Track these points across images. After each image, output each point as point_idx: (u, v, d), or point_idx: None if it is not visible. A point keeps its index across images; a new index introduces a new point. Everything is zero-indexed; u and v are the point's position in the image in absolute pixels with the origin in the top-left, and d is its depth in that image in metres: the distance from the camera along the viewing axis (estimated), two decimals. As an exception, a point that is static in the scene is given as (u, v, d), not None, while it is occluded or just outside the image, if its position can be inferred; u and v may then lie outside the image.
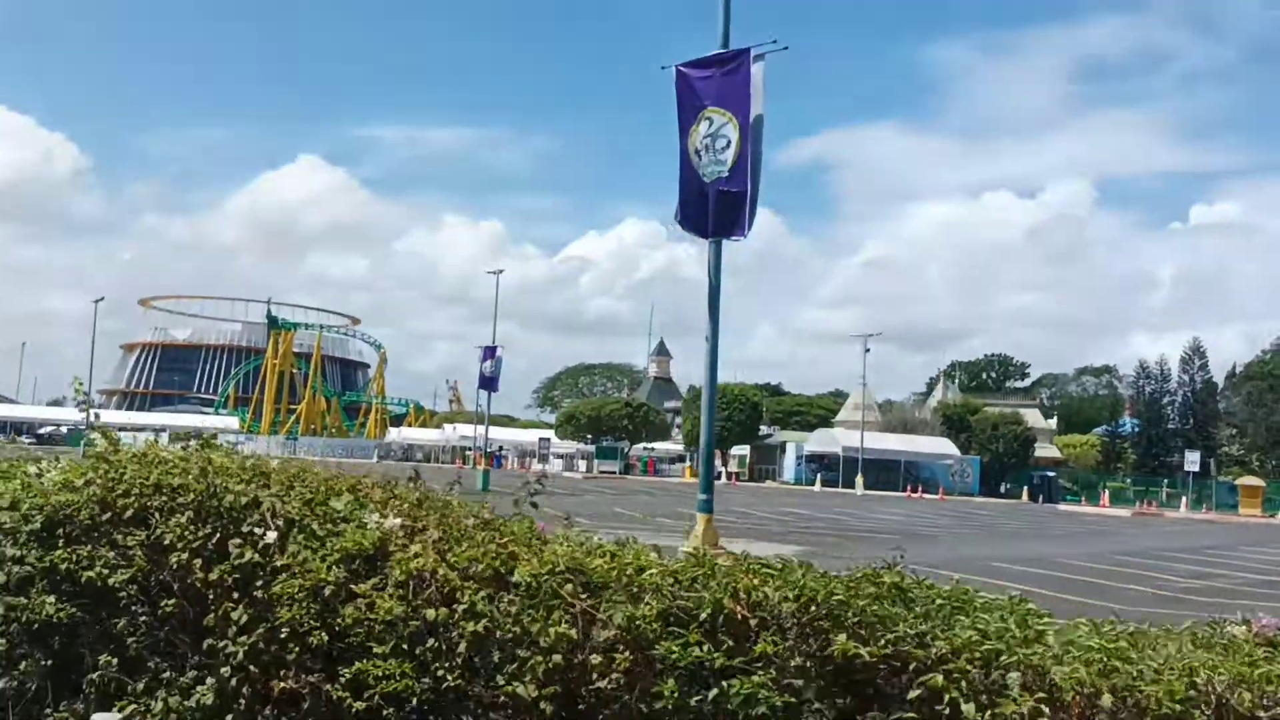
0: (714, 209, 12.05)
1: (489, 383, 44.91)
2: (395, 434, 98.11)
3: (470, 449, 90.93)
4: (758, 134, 11.78)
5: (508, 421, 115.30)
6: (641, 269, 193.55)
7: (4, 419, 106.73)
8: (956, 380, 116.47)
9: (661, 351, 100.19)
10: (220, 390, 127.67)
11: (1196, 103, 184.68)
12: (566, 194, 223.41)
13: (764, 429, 76.34)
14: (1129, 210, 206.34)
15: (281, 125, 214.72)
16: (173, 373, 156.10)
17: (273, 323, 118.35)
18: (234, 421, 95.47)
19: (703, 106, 12.33)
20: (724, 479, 66.78)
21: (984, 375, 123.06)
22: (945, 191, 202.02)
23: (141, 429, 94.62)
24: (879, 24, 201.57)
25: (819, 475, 68.10)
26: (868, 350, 72.44)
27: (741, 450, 76.24)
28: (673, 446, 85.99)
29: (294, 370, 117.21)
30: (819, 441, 69.52)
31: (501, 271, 46.80)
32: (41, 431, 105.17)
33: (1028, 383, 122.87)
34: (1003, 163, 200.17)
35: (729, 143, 11.96)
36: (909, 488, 62.77)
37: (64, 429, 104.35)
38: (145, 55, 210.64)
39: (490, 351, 44.35)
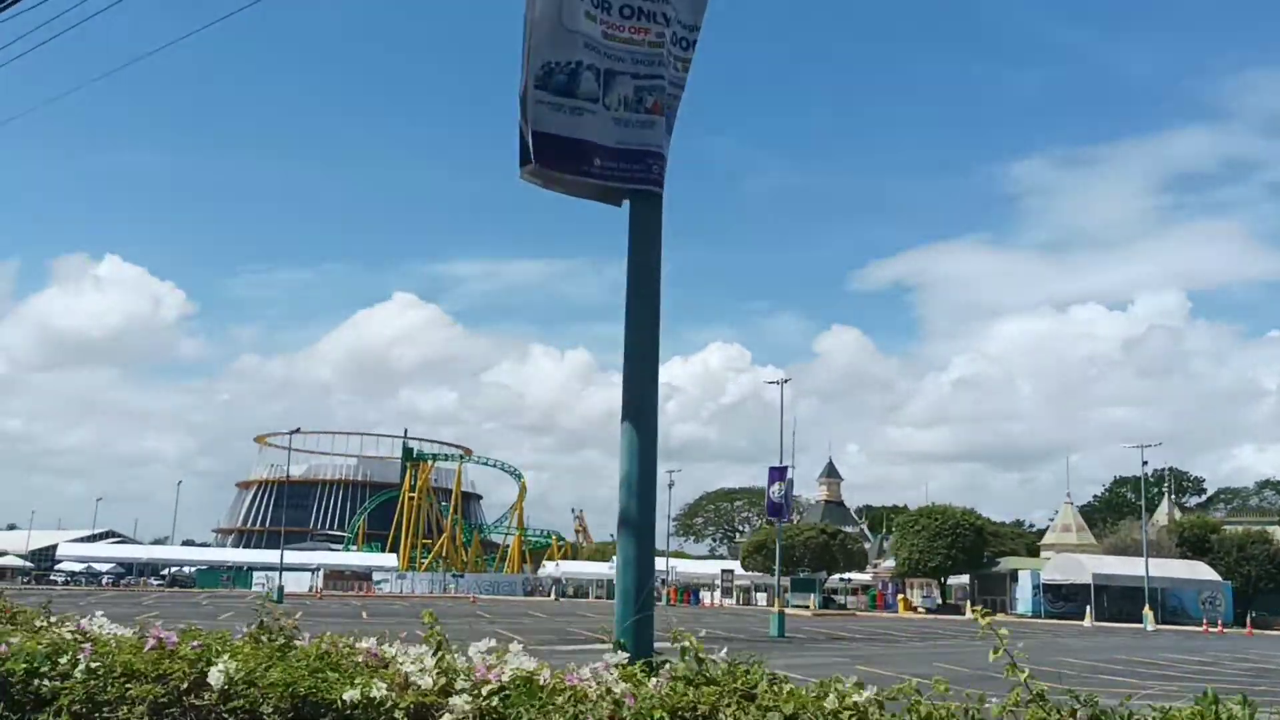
0: None
1: (779, 509, 39.93)
2: (552, 568, 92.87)
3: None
4: None
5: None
6: (728, 393, 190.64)
7: (129, 560, 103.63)
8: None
9: (831, 474, 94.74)
10: (350, 526, 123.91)
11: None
12: None
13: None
14: (1223, 320, 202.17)
15: (366, 265, 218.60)
16: (290, 509, 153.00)
17: (408, 454, 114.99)
18: (391, 559, 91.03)
19: None
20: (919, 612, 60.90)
21: (1152, 492, 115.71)
22: (1031, 306, 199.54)
23: (297, 568, 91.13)
24: (957, 143, 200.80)
25: (1059, 606, 61.99)
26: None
27: (960, 579, 70.20)
28: (857, 576, 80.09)
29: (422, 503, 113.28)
30: (1059, 568, 63.24)
31: (787, 380, 42.23)
32: (165, 573, 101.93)
33: (1203, 498, 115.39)
34: (1089, 276, 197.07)
35: None
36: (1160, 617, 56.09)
37: (187, 569, 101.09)
38: (240, 204, 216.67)
39: (779, 473, 39.49)
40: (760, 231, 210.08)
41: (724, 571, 78.01)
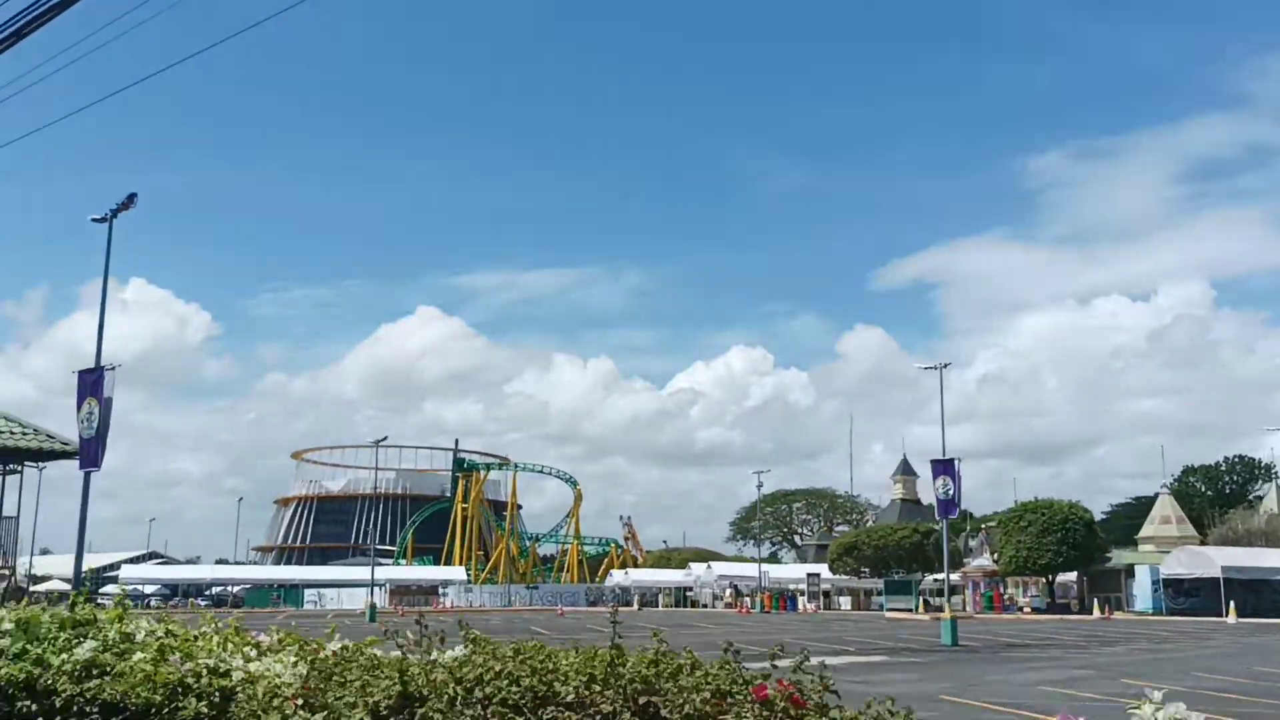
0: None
1: (948, 508, 37.02)
2: (621, 576, 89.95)
3: (721, 589, 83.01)
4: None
5: (713, 556, 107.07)
6: (751, 396, 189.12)
7: (173, 580, 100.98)
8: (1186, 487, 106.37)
9: (906, 470, 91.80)
10: (399, 540, 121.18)
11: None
12: (666, 327, 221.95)
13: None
14: (1249, 308, 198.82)
15: (384, 280, 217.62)
16: (329, 524, 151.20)
17: (459, 465, 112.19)
18: (460, 572, 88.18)
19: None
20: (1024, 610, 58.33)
21: (1223, 481, 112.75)
22: (1055, 300, 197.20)
23: (352, 584, 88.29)
24: (974, 138, 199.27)
25: (1180, 602, 59.06)
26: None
27: (1067, 576, 67.30)
28: (941, 576, 77.08)
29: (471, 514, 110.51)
30: (1182, 562, 60.26)
31: (947, 365, 39.43)
32: (211, 592, 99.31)
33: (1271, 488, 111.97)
34: (1112, 268, 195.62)
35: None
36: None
37: (232, 589, 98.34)
38: (256, 223, 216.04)
39: (944, 467, 36.55)
40: (778, 233, 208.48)
41: (810, 575, 75.07)
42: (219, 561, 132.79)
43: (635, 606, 74.78)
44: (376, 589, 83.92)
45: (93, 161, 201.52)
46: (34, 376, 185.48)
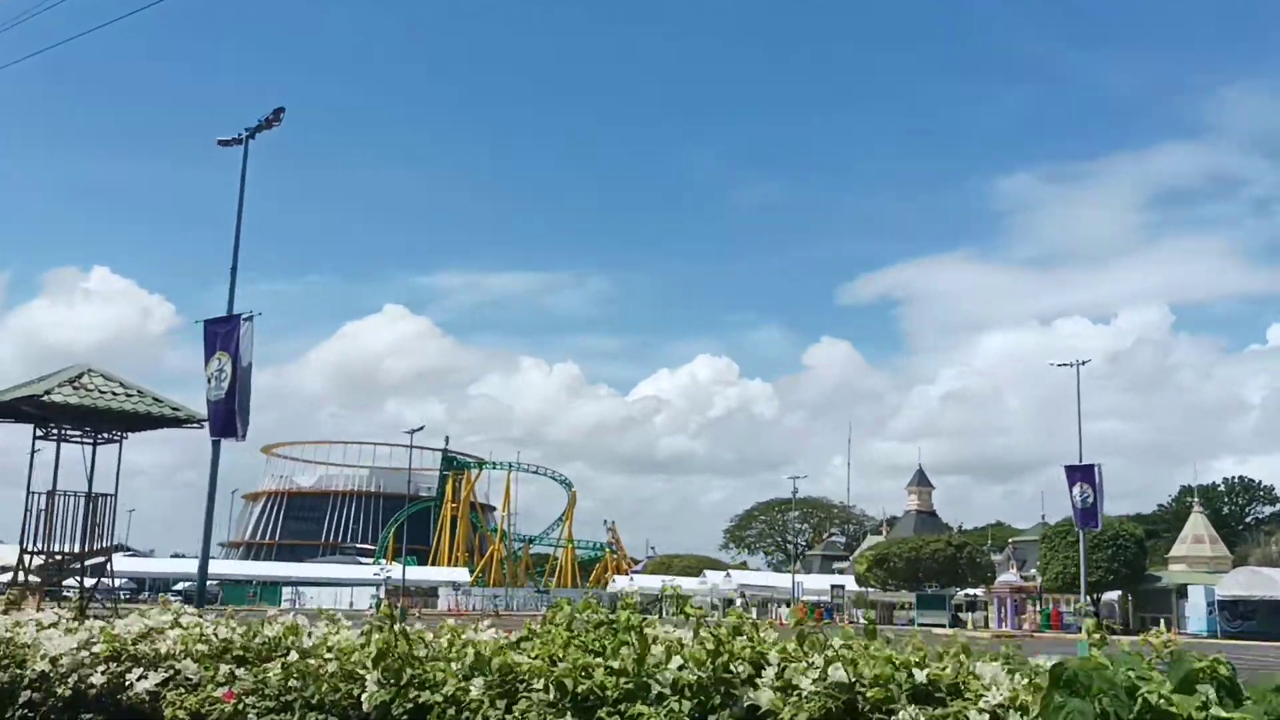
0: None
1: (1087, 518, 33.96)
2: (624, 582, 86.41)
3: (740, 598, 79.56)
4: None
5: (711, 564, 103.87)
6: (715, 406, 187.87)
7: (140, 574, 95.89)
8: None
9: (922, 481, 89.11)
10: (378, 539, 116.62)
11: (1271, 225, 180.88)
12: (632, 334, 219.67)
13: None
14: (1207, 334, 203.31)
15: (348, 277, 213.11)
16: (300, 521, 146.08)
17: (449, 463, 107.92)
18: (464, 573, 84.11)
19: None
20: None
21: (1220, 503, 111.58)
22: (1017, 320, 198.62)
23: (363, 583, 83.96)
24: (945, 159, 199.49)
25: (1236, 625, 56.80)
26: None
27: (1110, 595, 64.80)
28: (970, 591, 74.54)
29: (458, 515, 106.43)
30: (1240, 583, 57.94)
31: (1085, 362, 36.44)
32: (179, 587, 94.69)
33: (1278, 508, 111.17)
34: (1074, 291, 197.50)
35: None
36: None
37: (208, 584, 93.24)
38: (218, 215, 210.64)
39: (1082, 473, 33.51)
40: (746, 244, 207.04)
41: (834, 587, 72.03)
42: (175, 555, 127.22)
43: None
44: (374, 589, 79.92)
45: (59, 146, 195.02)
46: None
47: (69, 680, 5.54)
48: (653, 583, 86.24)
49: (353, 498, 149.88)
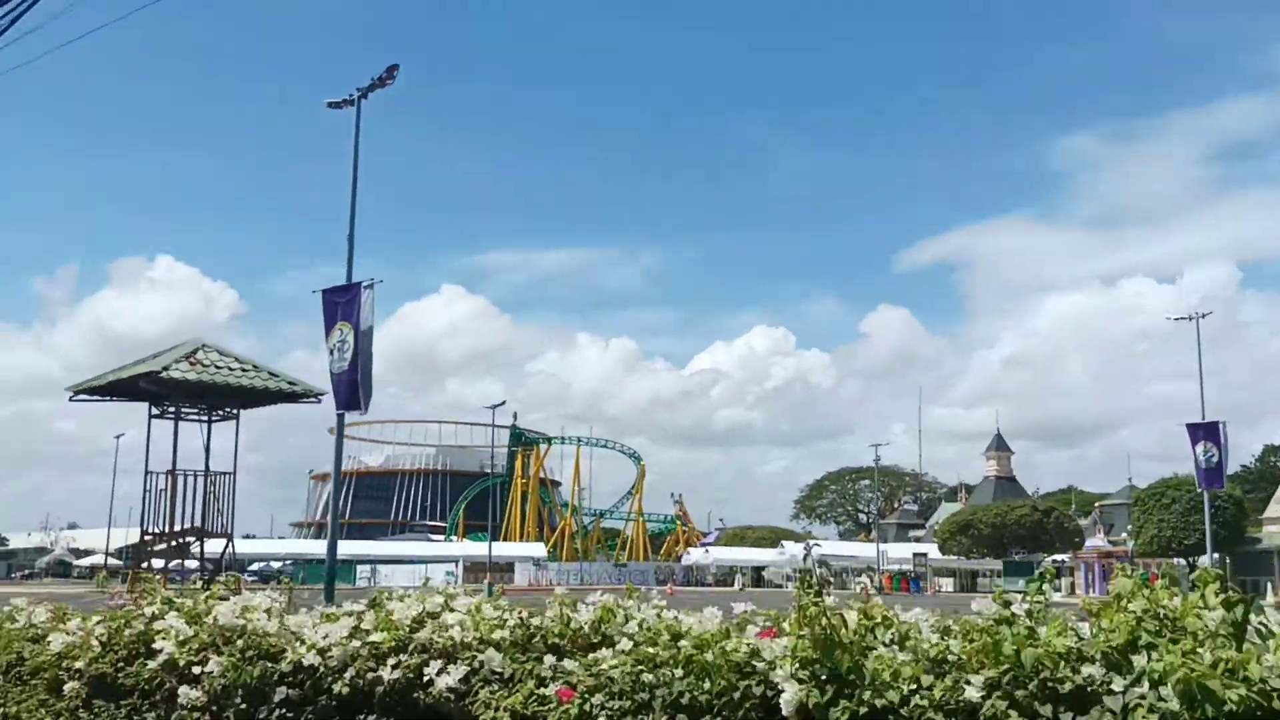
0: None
1: (1212, 478, 32.52)
2: (699, 554, 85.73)
3: (821, 568, 78.56)
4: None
5: (781, 536, 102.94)
6: (773, 377, 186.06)
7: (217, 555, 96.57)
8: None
9: (1000, 446, 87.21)
10: (448, 516, 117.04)
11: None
12: (685, 307, 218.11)
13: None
14: (1275, 291, 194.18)
15: (402, 260, 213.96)
16: (368, 501, 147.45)
17: (517, 438, 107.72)
18: (540, 548, 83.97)
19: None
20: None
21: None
22: (1079, 281, 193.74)
23: (439, 559, 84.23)
24: (1003, 120, 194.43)
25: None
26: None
27: (1204, 559, 62.80)
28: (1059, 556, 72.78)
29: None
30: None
31: (1205, 315, 34.80)
32: (255, 568, 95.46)
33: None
34: (1138, 250, 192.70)
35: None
36: None
37: (274, 564, 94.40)
38: (278, 202, 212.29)
39: (1205, 431, 32.01)
40: (799, 214, 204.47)
41: (916, 555, 70.69)
42: (246, 536, 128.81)
43: (738, 586, 70.51)
44: (451, 565, 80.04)
45: (117, 140, 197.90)
46: (60, 353, 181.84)
47: (344, 675, 4.73)
48: (728, 555, 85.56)
49: (420, 476, 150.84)
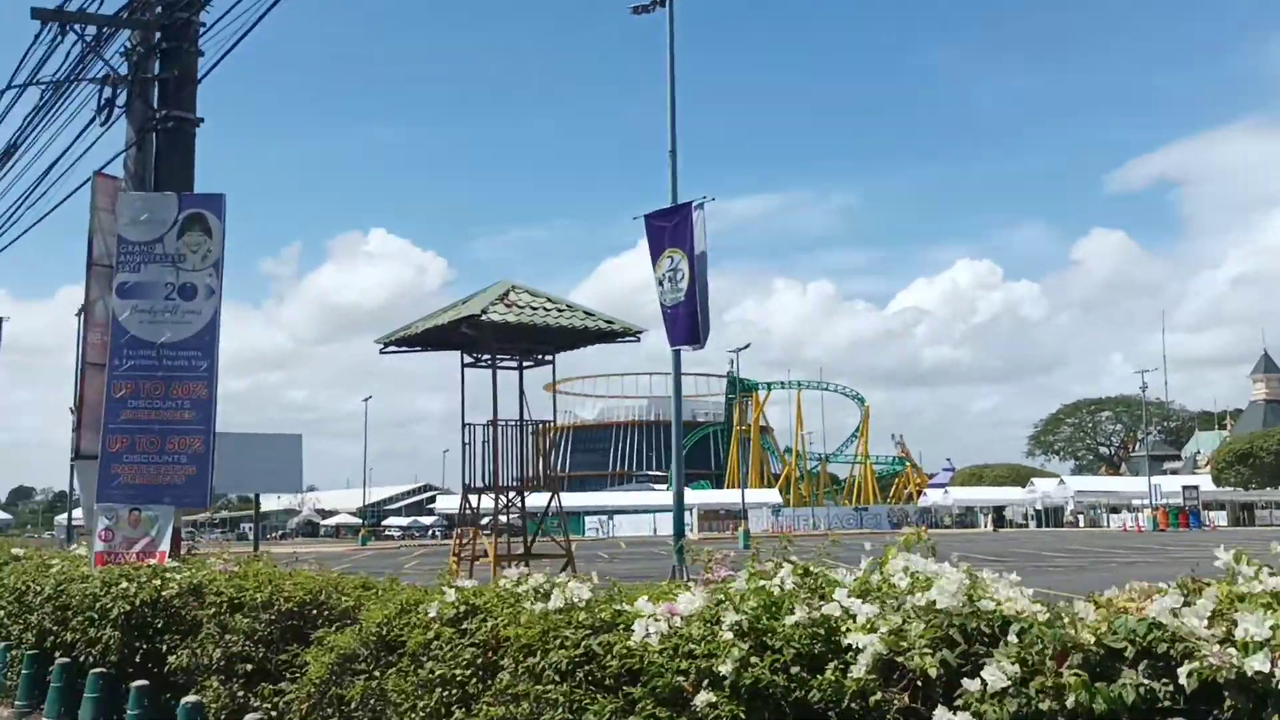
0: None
1: None
2: (938, 494, 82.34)
3: (1085, 507, 74.17)
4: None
5: (1020, 473, 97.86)
6: (979, 312, 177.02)
7: (450, 511, 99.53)
8: None
9: (1270, 368, 79.93)
10: (667, 465, 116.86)
11: None
12: (884, 245, 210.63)
13: None
14: None
15: (593, 217, 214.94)
16: (586, 454, 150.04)
17: (735, 385, 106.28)
18: (773, 494, 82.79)
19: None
20: None
21: None
22: None
23: (666, 508, 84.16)
24: (1219, 23, 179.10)
25: None
26: None
27: None
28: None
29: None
30: None
31: None
32: (487, 521, 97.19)
33: None
34: None
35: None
36: None
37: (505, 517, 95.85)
38: (467, 168, 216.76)
39: None
40: (999, 140, 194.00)
41: (1186, 488, 65.35)
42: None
43: (990, 528, 67.13)
44: (686, 513, 79.66)
45: (322, 118, 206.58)
46: (289, 328, 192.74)
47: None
48: (968, 495, 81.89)
49: (633, 428, 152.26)
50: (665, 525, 79.31)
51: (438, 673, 4.99)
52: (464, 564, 18.00)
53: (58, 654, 10.09)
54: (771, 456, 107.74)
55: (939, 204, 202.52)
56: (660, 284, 15.13)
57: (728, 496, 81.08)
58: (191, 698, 7.58)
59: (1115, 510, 71.01)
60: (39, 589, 10.59)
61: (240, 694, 7.45)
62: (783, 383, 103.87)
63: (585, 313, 17.64)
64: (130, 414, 10.71)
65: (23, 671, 10.54)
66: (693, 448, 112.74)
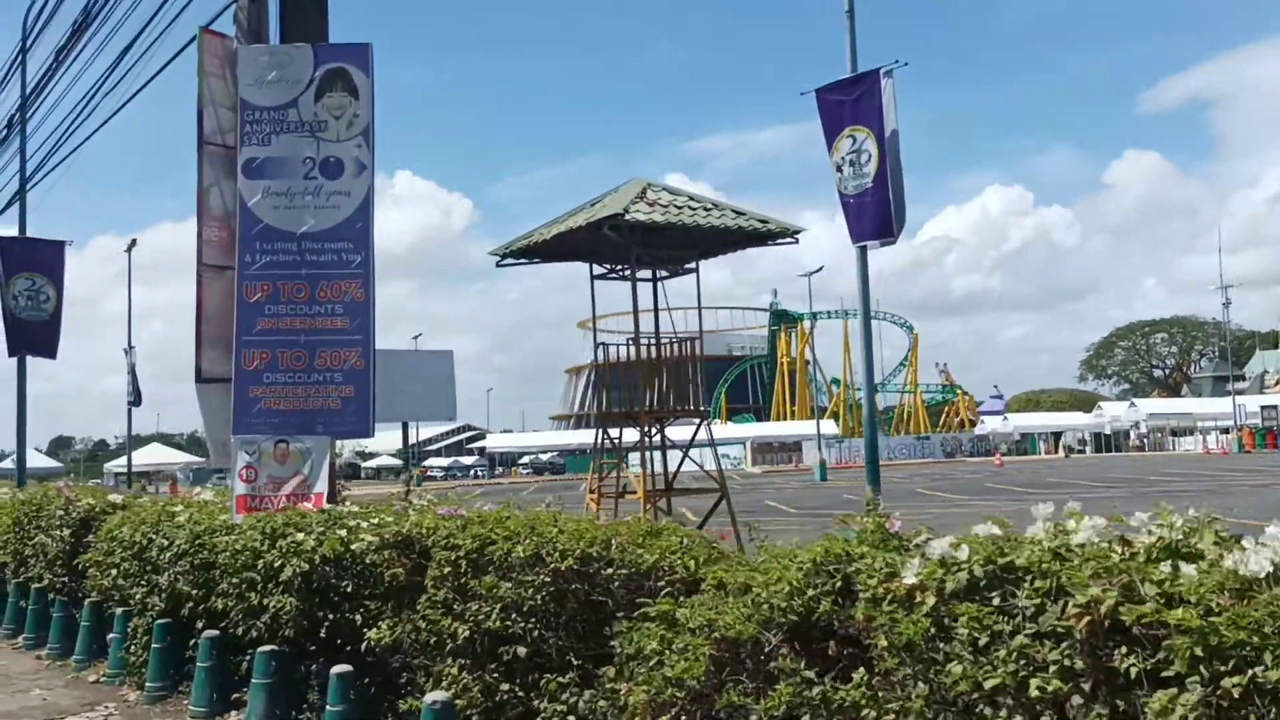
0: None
1: None
2: (996, 422, 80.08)
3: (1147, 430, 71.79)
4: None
5: (1079, 399, 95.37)
6: (1010, 239, 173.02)
7: (498, 450, 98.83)
8: None
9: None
10: (713, 400, 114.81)
11: None
12: (910, 173, 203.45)
13: None
14: None
15: (617, 153, 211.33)
16: (621, 391, 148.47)
17: (781, 317, 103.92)
18: (831, 425, 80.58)
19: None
20: None
21: None
22: None
23: (728, 441, 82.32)
24: None
25: None
26: None
27: None
28: None
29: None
30: None
31: None
32: (525, 461, 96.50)
33: None
34: None
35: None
36: None
37: (543, 456, 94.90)
38: (491, 108, 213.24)
39: None
40: (1025, 62, 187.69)
41: (1265, 408, 62.78)
42: (504, 431, 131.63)
43: (1062, 454, 64.85)
44: (739, 447, 77.69)
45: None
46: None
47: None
48: (1029, 421, 79.59)
49: (672, 364, 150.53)
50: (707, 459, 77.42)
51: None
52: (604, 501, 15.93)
53: (200, 624, 8.03)
54: (825, 389, 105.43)
55: (968, 129, 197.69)
56: (839, 170, 12.48)
57: (781, 429, 79.09)
58: (439, 695, 5.46)
59: (1177, 434, 68.67)
60: (166, 543, 8.51)
61: (505, 687, 5.34)
62: (829, 312, 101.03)
63: (735, 211, 15.36)
64: (269, 322, 8.55)
65: (152, 645, 8.49)
66: (734, 381, 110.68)
